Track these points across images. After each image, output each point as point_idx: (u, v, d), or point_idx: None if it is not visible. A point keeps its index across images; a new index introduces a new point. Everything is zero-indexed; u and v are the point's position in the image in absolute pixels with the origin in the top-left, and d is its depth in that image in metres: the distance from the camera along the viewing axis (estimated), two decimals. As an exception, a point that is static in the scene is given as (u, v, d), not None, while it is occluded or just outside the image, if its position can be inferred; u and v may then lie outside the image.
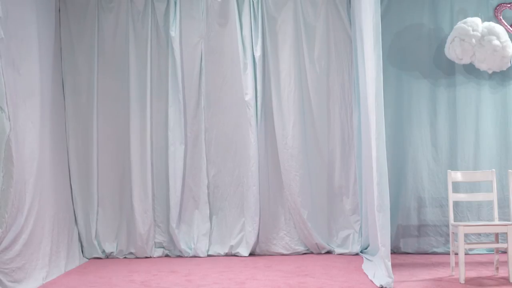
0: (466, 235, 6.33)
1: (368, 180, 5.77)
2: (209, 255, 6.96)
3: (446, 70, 7.01)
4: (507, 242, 5.37)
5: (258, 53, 6.97)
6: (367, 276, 5.62)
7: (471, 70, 6.92)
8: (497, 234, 5.75)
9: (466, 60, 6.66)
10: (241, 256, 6.90)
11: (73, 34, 7.03)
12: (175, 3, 7.04)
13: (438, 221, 6.90)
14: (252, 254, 6.96)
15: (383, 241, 5.21)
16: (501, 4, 6.92)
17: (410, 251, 6.93)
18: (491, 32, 6.53)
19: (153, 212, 6.99)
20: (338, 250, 6.97)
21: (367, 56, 5.62)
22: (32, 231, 5.55)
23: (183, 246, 6.94)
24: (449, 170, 5.98)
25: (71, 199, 6.91)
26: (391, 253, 5.49)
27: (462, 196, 6.14)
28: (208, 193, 7.08)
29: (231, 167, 7.08)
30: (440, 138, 6.99)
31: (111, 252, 6.95)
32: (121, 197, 7.07)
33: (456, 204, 6.63)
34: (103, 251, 6.96)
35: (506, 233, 5.36)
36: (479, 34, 6.52)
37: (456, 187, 6.30)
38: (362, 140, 6.58)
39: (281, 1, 7.11)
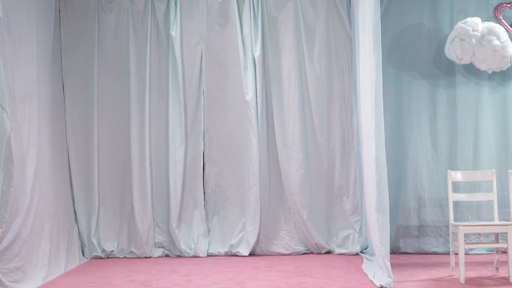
0: (466, 235, 6.32)
1: (368, 180, 5.77)
2: (209, 254, 6.96)
3: (446, 70, 7.01)
4: (507, 242, 5.37)
5: (257, 53, 6.97)
6: (367, 276, 5.62)
7: (471, 70, 6.92)
8: (497, 234, 5.76)
9: (466, 60, 6.66)
10: (241, 256, 6.90)
11: (73, 34, 7.03)
12: (175, 3, 7.04)
13: (438, 221, 6.91)
14: (252, 254, 6.96)
15: (382, 241, 5.22)
16: (501, 4, 6.93)
17: (410, 251, 6.93)
18: (491, 32, 6.53)
19: (152, 212, 7.00)
20: (338, 250, 6.97)
21: (366, 56, 5.62)
22: (31, 231, 5.55)
23: (183, 246, 6.94)
24: (449, 170, 5.98)
25: (72, 199, 6.92)
26: (391, 253, 5.49)
27: (462, 196, 6.14)
28: (209, 193, 7.08)
29: (233, 167, 7.08)
30: (440, 138, 6.99)
31: (112, 251, 6.96)
32: (122, 196, 7.07)
33: (456, 204, 6.63)
34: (103, 250, 6.97)
35: (506, 233, 5.37)
36: (479, 34, 6.52)
37: (456, 187, 6.30)
38: (361, 140, 6.58)
39: (281, 1, 7.11)
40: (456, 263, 5.63)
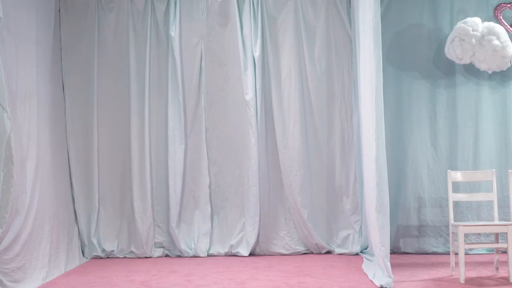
0: (466, 235, 6.32)
1: (368, 180, 5.77)
2: (209, 255, 6.96)
3: (446, 70, 7.01)
4: (507, 242, 5.37)
5: (257, 53, 6.97)
6: (367, 276, 5.63)
7: (471, 70, 6.92)
8: (497, 234, 5.76)
9: (466, 60, 6.66)
10: (241, 256, 6.90)
11: (73, 34, 7.03)
12: (175, 3, 7.04)
13: (438, 221, 6.90)
14: (252, 254, 6.96)
15: (382, 241, 5.22)
16: (501, 4, 6.93)
17: (410, 251, 6.93)
18: (491, 32, 6.53)
19: (152, 212, 7.00)
20: (338, 250, 6.97)
21: (366, 56, 5.62)
22: (31, 231, 5.55)
23: (183, 246, 6.94)
24: (449, 170, 5.98)
25: (72, 199, 6.92)
26: (391, 253, 5.49)
27: (462, 196, 6.14)
28: (209, 193, 7.08)
29: (233, 167, 7.08)
30: (440, 138, 6.99)
31: (112, 251, 6.96)
32: (122, 196, 7.07)
33: (456, 204, 6.63)
34: (103, 250, 6.97)
35: (506, 233, 5.36)
36: (479, 34, 6.52)
37: (456, 187, 6.30)
38: (361, 140, 6.58)
39: (281, 1, 7.11)
40: (456, 263, 5.63)
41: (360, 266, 6.13)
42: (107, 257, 6.97)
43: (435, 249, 6.88)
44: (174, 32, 6.97)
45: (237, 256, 6.94)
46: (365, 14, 5.62)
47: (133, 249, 6.97)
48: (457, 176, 5.95)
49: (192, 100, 7.08)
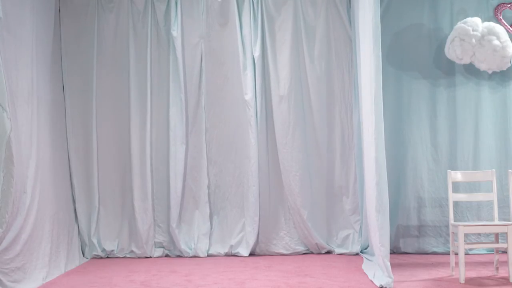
0: (466, 235, 6.33)
1: (368, 180, 5.77)
2: (209, 255, 6.96)
3: (446, 70, 7.01)
4: (507, 242, 5.37)
5: (257, 53, 6.97)
6: (367, 276, 5.63)
7: (471, 70, 6.92)
8: (497, 234, 5.76)
9: (466, 60, 6.66)
10: (241, 256, 6.91)
11: (73, 34, 7.03)
12: (176, 3, 7.04)
13: (438, 221, 6.91)
14: (252, 254, 6.96)
15: (382, 241, 5.22)
16: (501, 4, 6.93)
17: (410, 251, 6.93)
18: (491, 32, 6.53)
19: (153, 212, 7.00)
20: (338, 250, 6.97)
21: (366, 56, 5.62)
22: (32, 231, 5.55)
23: (183, 246, 6.94)
24: (449, 170, 5.98)
25: (72, 199, 6.92)
26: (391, 253, 5.50)
27: (462, 196, 6.14)
28: (209, 193, 7.08)
29: (232, 167, 7.08)
30: (440, 138, 6.99)
31: (112, 251, 6.96)
32: (122, 196, 7.08)
33: (455, 204, 6.63)
34: (103, 250, 6.97)
35: (506, 233, 5.36)
36: (479, 34, 6.52)
37: (456, 187, 6.30)
38: (362, 140, 6.58)
39: (281, 0, 7.11)
40: (456, 263, 5.63)
41: (360, 266, 6.13)
42: (107, 257, 6.98)
43: (435, 249, 6.88)
44: (176, 32, 6.97)
45: (237, 256, 6.94)
46: (365, 14, 5.62)
47: (133, 249, 6.98)
48: (457, 176, 5.95)
49: (193, 100, 7.08)
